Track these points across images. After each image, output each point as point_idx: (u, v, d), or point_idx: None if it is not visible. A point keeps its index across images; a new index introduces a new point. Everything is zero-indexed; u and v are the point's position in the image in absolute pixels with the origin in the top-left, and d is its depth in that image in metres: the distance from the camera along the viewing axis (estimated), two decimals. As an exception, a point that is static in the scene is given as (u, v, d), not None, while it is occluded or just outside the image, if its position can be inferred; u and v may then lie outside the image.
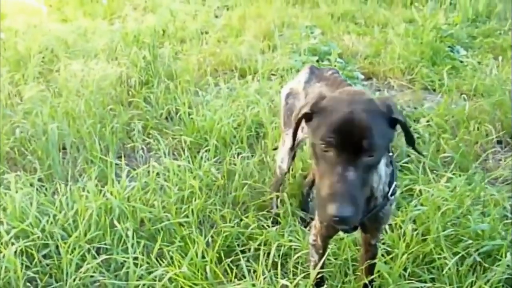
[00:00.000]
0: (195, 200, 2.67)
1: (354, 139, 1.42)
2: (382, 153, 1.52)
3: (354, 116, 1.43)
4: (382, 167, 1.75)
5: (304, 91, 2.35)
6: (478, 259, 2.27)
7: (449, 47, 5.42)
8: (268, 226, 2.62)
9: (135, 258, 2.34)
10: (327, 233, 1.98)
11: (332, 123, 1.45)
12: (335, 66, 4.58)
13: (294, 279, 2.13)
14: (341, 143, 1.42)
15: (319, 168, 1.50)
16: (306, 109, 1.57)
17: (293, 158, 2.59)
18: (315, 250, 2.04)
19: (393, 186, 1.82)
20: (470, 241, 2.35)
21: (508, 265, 2.21)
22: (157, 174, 2.89)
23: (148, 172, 2.91)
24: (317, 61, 4.70)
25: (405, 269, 2.30)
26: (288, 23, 6.16)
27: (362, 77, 4.64)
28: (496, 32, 6.07)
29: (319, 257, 2.03)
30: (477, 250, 2.32)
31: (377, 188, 1.76)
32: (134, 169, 2.96)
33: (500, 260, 2.25)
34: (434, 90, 4.43)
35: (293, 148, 2.36)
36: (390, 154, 1.83)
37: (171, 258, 2.33)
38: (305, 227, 2.64)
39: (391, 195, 1.82)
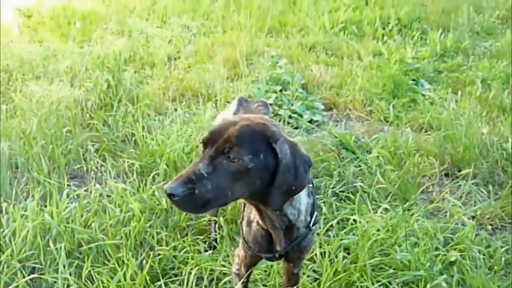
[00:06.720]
0: (133, 223, 2.71)
1: (218, 141, 1.52)
2: (247, 165, 1.53)
3: (230, 125, 1.56)
4: (304, 199, 1.80)
5: None
6: (396, 288, 2.32)
7: (413, 80, 5.55)
8: (206, 251, 2.68)
9: (67, 279, 2.38)
10: (250, 262, 2.04)
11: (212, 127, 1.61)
12: (296, 96, 4.70)
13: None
14: (207, 142, 1.55)
15: None
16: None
17: None
18: (239, 279, 2.08)
19: (314, 216, 1.88)
20: (392, 271, 2.41)
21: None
22: (101, 195, 2.94)
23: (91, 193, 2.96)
24: (280, 90, 4.78)
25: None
26: (261, 52, 6.27)
27: (322, 107, 4.70)
28: (462, 67, 6.20)
29: (243, 286, 2.09)
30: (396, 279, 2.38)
31: (297, 219, 1.81)
32: (85, 191, 3.01)
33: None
34: (391, 122, 4.49)
35: None
36: (310, 185, 1.89)
37: (101, 280, 2.37)
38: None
39: (313, 225, 1.88)
